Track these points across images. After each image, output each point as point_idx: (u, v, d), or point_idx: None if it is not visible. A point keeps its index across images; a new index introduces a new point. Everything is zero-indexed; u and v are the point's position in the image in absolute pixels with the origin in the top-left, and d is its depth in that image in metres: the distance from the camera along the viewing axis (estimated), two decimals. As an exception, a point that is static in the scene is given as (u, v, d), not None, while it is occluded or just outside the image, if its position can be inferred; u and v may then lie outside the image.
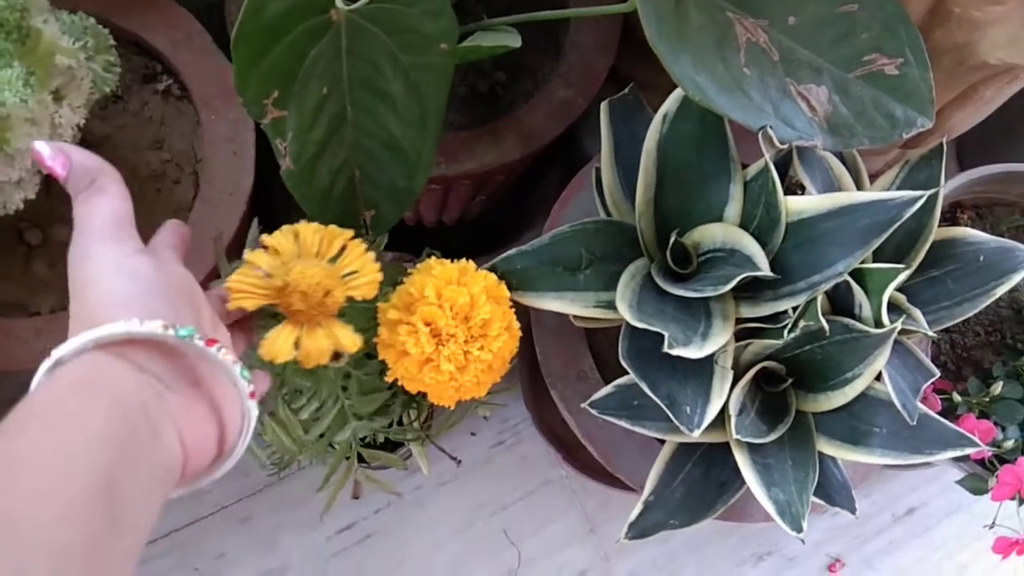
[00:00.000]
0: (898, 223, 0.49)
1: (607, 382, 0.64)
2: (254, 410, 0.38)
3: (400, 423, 0.64)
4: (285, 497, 0.84)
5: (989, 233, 0.79)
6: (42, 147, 0.37)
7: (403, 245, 0.93)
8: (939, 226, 0.78)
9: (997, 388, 0.69)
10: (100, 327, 0.33)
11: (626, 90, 0.60)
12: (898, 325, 0.51)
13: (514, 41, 0.59)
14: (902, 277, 0.50)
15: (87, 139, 0.64)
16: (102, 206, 0.37)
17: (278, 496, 0.85)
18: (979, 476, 0.69)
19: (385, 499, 0.87)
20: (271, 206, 0.68)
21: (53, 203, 0.64)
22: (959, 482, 0.70)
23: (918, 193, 0.48)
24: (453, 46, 0.53)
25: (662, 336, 0.49)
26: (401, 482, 0.87)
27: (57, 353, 0.33)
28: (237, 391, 0.37)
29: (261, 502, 0.85)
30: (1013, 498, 0.67)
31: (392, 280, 0.60)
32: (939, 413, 0.70)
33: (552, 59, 0.70)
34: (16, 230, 0.65)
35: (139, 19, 0.67)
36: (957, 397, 0.71)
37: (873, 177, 0.64)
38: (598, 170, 0.61)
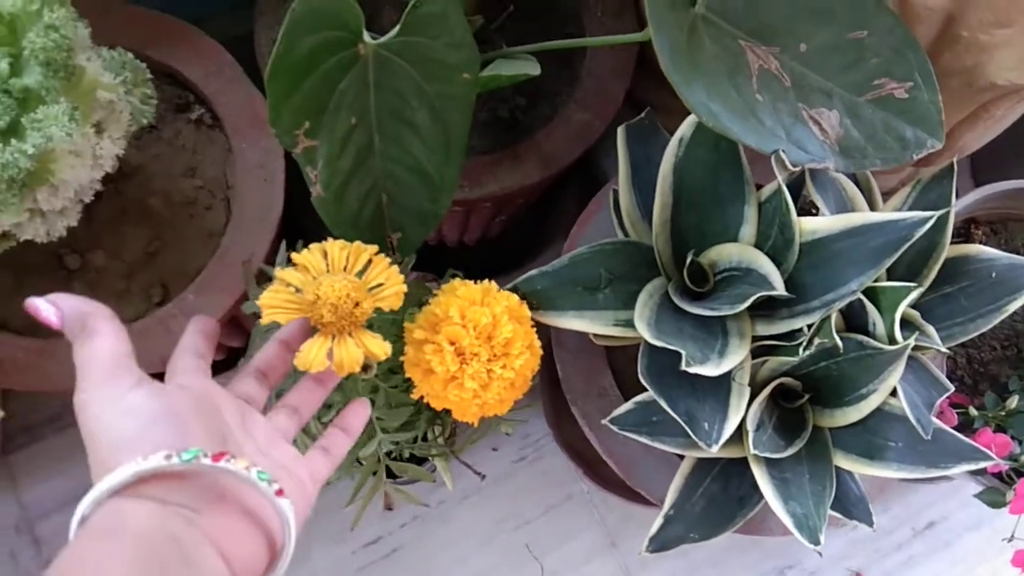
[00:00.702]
0: (909, 243, 0.50)
1: (627, 399, 0.66)
2: (287, 509, 0.37)
3: (424, 438, 0.66)
4: (315, 509, 0.86)
5: (1003, 249, 0.81)
6: (35, 303, 0.38)
7: (426, 264, 0.95)
8: (952, 243, 0.79)
9: (1013, 402, 0.69)
10: (109, 475, 0.33)
11: (642, 115, 0.62)
12: (911, 342, 0.52)
13: (533, 69, 0.61)
14: (914, 295, 0.51)
15: (124, 168, 0.67)
16: (95, 349, 0.37)
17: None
18: (997, 490, 0.70)
19: (410, 513, 0.89)
20: (300, 230, 0.71)
21: (92, 230, 0.67)
22: (977, 495, 0.71)
23: (928, 214, 0.50)
24: (475, 75, 0.55)
25: (680, 354, 0.51)
26: (425, 497, 0.89)
27: (79, 511, 0.33)
28: (266, 498, 0.37)
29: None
30: (1030, 511, 0.68)
31: (417, 300, 0.63)
32: (956, 427, 0.71)
33: (569, 84, 0.73)
34: (56, 255, 0.68)
35: (173, 51, 0.70)
36: (973, 411, 0.72)
37: (888, 194, 0.65)
38: (615, 192, 0.63)
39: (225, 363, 0.87)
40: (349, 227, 0.58)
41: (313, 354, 0.46)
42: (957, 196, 0.74)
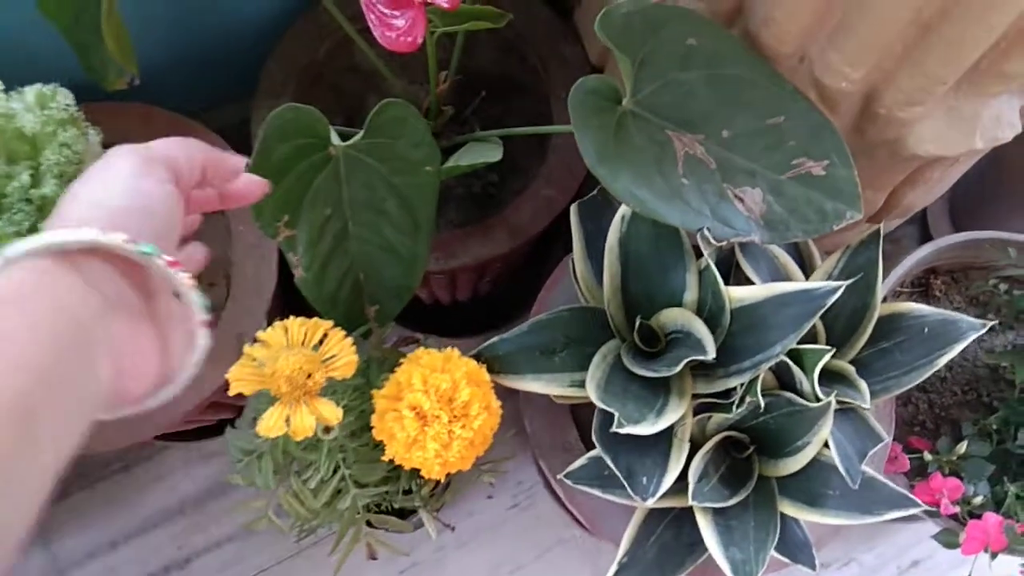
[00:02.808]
0: (823, 309, 0.55)
1: (588, 449, 0.71)
2: (203, 339, 0.37)
3: (408, 491, 0.72)
4: (316, 559, 0.93)
5: (960, 296, 0.85)
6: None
7: (425, 320, 1.02)
8: (909, 292, 0.83)
9: (963, 447, 0.73)
10: (67, 230, 0.32)
11: (594, 192, 0.68)
12: (832, 400, 0.57)
13: (494, 156, 0.67)
14: (827, 357, 0.56)
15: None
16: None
17: (311, 558, 0.93)
18: (952, 531, 0.73)
19: (408, 560, 0.95)
20: (296, 302, 0.78)
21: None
22: (935, 537, 0.74)
23: (835, 284, 0.55)
24: (437, 167, 0.62)
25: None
26: (423, 544, 0.95)
27: (9, 252, 0.31)
28: (187, 317, 0.37)
29: (297, 564, 0.94)
30: (985, 551, 0.71)
31: (391, 366, 0.69)
32: (908, 472, 0.75)
33: (539, 161, 0.79)
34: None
35: (180, 143, 0.78)
36: (928, 456, 0.75)
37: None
38: (573, 261, 0.69)
39: (216, 428, 0.95)
40: (329, 304, 0.64)
41: (272, 421, 0.53)
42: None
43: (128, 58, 0.62)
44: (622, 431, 0.54)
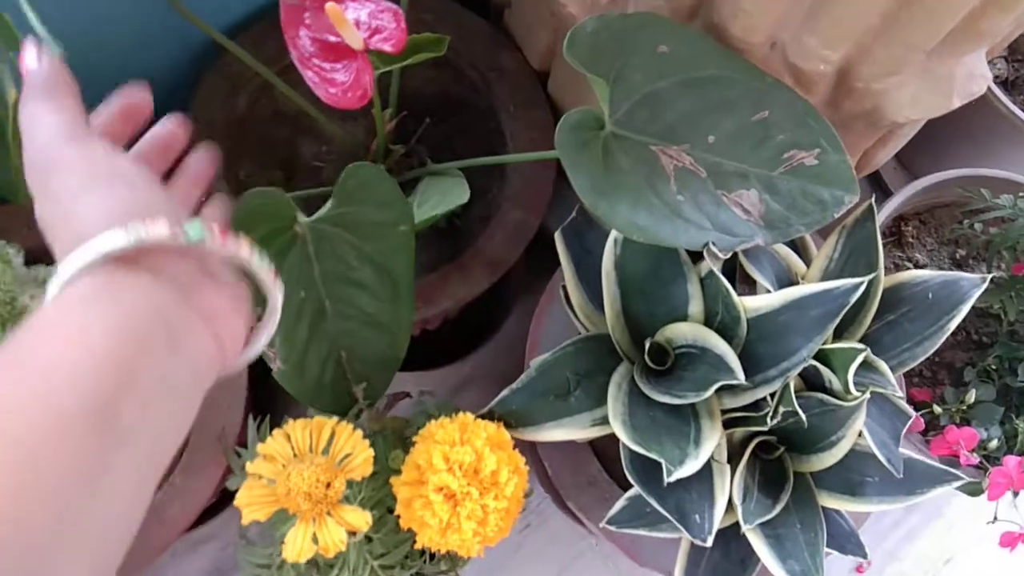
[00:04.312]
0: (846, 308, 0.53)
1: (615, 480, 0.68)
2: (279, 294, 0.38)
3: (432, 556, 0.68)
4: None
5: (935, 240, 0.85)
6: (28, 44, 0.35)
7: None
8: (884, 244, 0.83)
9: (971, 396, 0.73)
10: (103, 236, 0.30)
11: (574, 214, 0.64)
12: (866, 395, 0.55)
13: (462, 196, 0.62)
14: (860, 357, 0.54)
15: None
16: (53, 108, 0.34)
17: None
18: (974, 480, 0.73)
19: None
20: (270, 390, 0.72)
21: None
22: (959, 488, 0.75)
23: (858, 281, 0.53)
24: (411, 224, 0.57)
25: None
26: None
27: (63, 274, 0.30)
28: (255, 274, 0.37)
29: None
30: (1016, 494, 0.72)
31: (399, 435, 0.64)
32: (924, 431, 0.75)
33: (499, 180, 0.74)
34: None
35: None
36: (938, 409, 0.75)
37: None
38: (565, 288, 0.66)
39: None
40: (313, 392, 0.59)
41: (299, 544, 0.48)
42: (889, 191, 0.76)
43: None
44: (673, 478, 0.51)
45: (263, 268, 0.37)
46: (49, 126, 0.34)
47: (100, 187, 0.33)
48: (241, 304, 0.37)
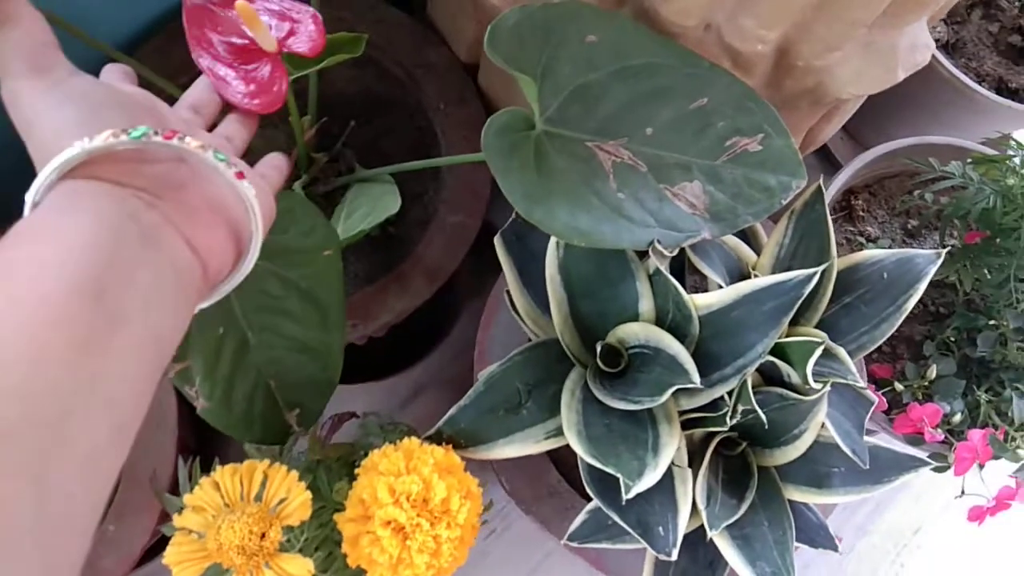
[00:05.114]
0: (800, 300, 0.51)
1: (576, 489, 0.66)
2: (249, 191, 0.36)
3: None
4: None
5: (886, 212, 0.83)
6: None
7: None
8: (834, 218, 0.81)
9: (932, 371, 0.72)
10: (55, 156, 0.31)
11: (513, 216, 0.61)
12: (826, 389, 0.53)
13: (393, 205, 0.59)
14: (819, 351, 0.52)
15: None
16: (18, 35, 0.34)
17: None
18: (941, 454, 0.72)
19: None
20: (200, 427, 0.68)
21: None
22: (930, 468, 0.74)
23: (810, 272, 0.50)
24: (337, 247, 0.53)
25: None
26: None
27: (29, 197, 0.31)
28: (226, 182, 0.36)
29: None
30: (982, 467, 0.71)
31: (345, 461, 0.61)
32: (887, 409, 0.74)
33: (433, 181, 0.71)
34: None
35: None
36: (899, 386, 0.74)
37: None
38: (510, 294, 0.62)
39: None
40: (243, 425, 0.55)
41: None
42: (838, 163, 0.74)
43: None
44: (632, 494, 0.48)
45: (220, 164, 0.35)
46: (14, 54, 0.34)
47: (57, 110, 0.33)
48: (218, 216, 0.35)
